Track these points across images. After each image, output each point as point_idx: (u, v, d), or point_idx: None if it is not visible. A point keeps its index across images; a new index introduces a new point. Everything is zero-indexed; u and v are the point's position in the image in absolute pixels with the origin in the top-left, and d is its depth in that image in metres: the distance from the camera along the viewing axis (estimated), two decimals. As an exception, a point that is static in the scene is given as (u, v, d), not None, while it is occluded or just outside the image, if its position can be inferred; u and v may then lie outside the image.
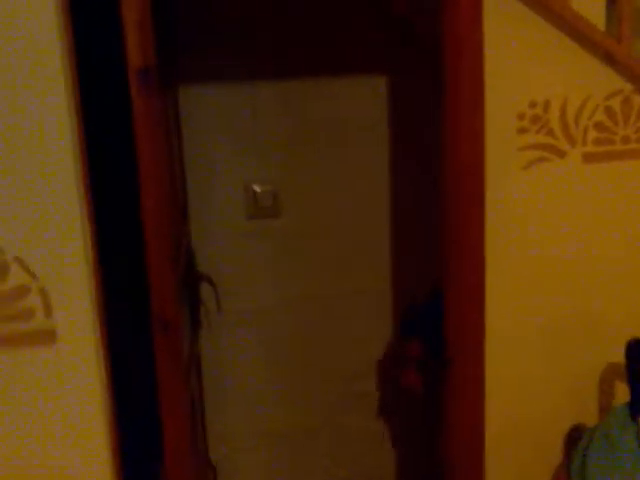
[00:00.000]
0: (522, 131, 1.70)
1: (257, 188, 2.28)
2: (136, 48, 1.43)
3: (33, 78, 1.37)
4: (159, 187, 1.52)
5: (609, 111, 1.74)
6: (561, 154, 1.73)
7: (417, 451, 2.54)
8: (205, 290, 2.24)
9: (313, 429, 2.53)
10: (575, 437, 1.83)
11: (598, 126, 1.74)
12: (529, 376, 1.83)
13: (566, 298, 1.81)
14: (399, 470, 2.61)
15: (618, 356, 1.70)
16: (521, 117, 1.69)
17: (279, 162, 2.29)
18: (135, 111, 1.47)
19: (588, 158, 1.75)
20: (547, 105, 1.70)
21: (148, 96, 1.46)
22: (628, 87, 1.74)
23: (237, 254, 2.31)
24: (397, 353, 2.37)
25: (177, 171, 2.03)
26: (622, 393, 1.78)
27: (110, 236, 1.63)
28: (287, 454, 2.53)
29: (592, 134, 1.74)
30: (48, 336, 1.48)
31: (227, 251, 2.30)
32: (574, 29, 1.68)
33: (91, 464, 1.56)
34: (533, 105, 1.69)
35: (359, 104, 2.30)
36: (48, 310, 1.46)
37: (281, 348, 2.44)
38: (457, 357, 1.78)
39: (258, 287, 2.36)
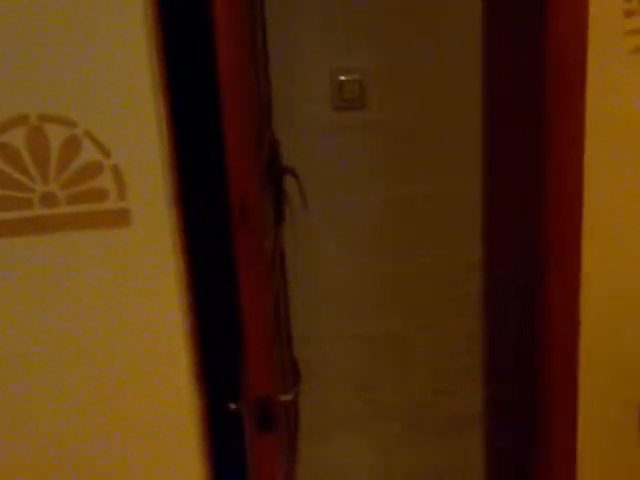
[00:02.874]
0: (629, 14, 1.55)
1: (343, 77, 2.16)
2: None
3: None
4: (237, 47, 1.42)
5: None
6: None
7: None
8: (290, 186, 2.17)
9: (405, 335, 2.45)
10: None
11: None
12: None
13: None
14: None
15: None
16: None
17: (367, 49, 2.17)
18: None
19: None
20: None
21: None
22: None
23: (322, 148, 2.22)
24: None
25: (259, 52, 1.93)
26: None
27: (185, 114, 1.54)
28: (374, 358, 2.47)
29: None
30: (122, 218, 1.43)
31: (312, 145, 2.21)
32: None
33: (166, 353, 1.52)
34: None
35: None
36: (122, 190, 1.41)
37: (368, 249, 2.35)
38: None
39: (343, 183, 2.26)
